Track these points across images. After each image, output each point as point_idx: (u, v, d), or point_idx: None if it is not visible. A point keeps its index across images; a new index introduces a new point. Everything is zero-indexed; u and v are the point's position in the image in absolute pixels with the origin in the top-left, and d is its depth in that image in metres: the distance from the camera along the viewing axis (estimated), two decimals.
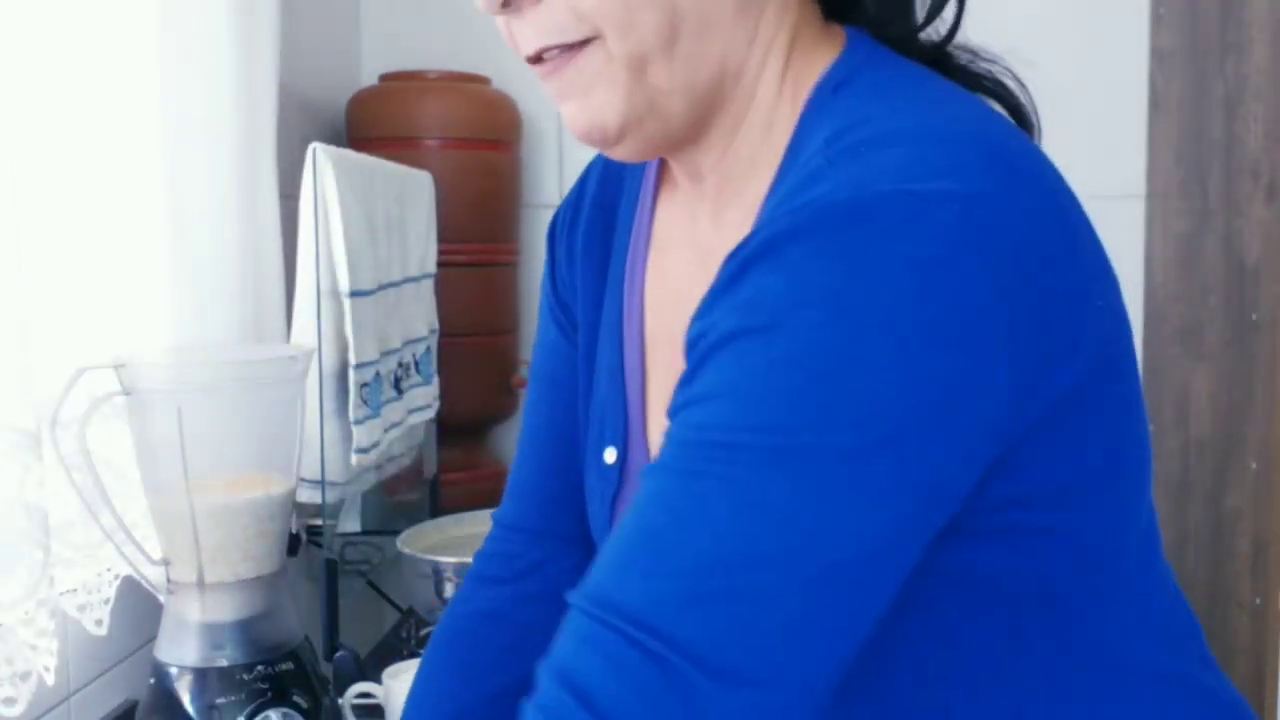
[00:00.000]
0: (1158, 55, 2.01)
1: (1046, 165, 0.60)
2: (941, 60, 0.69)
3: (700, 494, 0.52)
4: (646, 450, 0.73)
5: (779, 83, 0.66)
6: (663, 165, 0.77)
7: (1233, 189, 1.75)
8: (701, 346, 0.56)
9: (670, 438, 0.55)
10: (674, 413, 0.57)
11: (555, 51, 0.63)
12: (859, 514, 0.52)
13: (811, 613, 0.51)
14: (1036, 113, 0.70)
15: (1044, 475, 0.58)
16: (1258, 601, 1.67)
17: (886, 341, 0.51)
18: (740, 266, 0.55)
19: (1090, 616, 0.63)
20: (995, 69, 0.70)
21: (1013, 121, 0.68)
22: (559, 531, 0.85)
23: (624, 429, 0.74)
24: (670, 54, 0.61)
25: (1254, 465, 1.69)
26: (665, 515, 0.53)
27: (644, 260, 0.76)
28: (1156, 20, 2.01)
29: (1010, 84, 0.70)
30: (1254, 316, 1.68)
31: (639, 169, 0.79)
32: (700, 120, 0.66)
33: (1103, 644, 0.63)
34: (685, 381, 0.57)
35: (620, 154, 0.67)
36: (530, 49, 0.63)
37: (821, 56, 0.66)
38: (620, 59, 0.61)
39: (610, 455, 0.75)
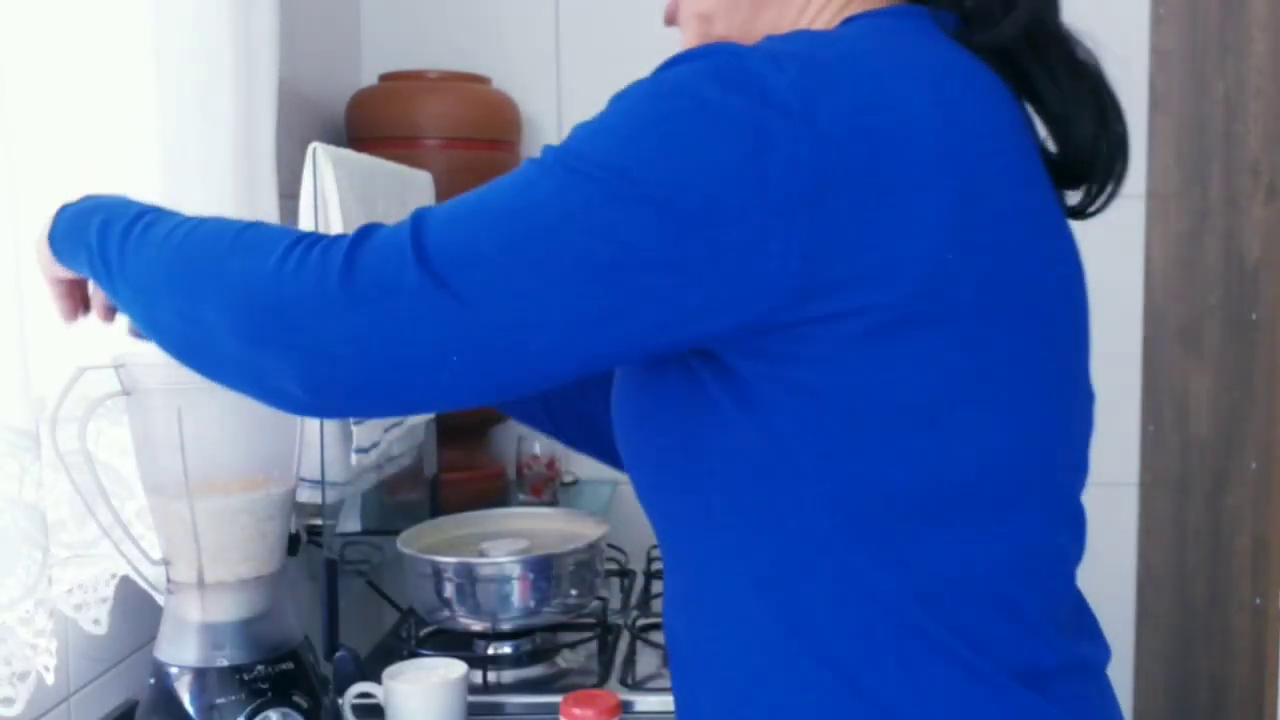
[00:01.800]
0: (1158, 55, 2.01)
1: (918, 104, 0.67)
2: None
3: (527, 181, 0.68)
4: None
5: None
6: None
7: (1233, 189, 1.75)
8: None
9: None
10: None
11: None
12: (628, 242, 0.64)
13: (545, 284, 0.65)
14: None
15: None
16: (1258, 601, 1.67)
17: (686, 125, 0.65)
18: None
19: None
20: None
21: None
22: None
23: None
24: (730, 15, 0.80)
25: (1254, 465, 1.69)
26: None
27: None
28: (1156, 20, 2.01)
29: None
30: (1254, 316, 1.68)
31: None
32: None
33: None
34: None
35: None
36: None
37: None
38: (691, 10, 0.82)
39: None
